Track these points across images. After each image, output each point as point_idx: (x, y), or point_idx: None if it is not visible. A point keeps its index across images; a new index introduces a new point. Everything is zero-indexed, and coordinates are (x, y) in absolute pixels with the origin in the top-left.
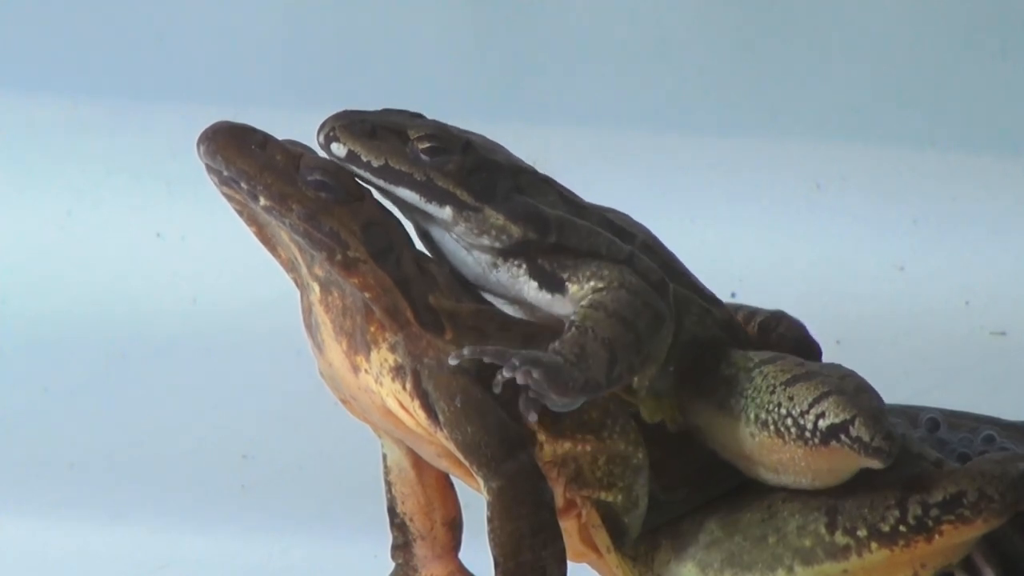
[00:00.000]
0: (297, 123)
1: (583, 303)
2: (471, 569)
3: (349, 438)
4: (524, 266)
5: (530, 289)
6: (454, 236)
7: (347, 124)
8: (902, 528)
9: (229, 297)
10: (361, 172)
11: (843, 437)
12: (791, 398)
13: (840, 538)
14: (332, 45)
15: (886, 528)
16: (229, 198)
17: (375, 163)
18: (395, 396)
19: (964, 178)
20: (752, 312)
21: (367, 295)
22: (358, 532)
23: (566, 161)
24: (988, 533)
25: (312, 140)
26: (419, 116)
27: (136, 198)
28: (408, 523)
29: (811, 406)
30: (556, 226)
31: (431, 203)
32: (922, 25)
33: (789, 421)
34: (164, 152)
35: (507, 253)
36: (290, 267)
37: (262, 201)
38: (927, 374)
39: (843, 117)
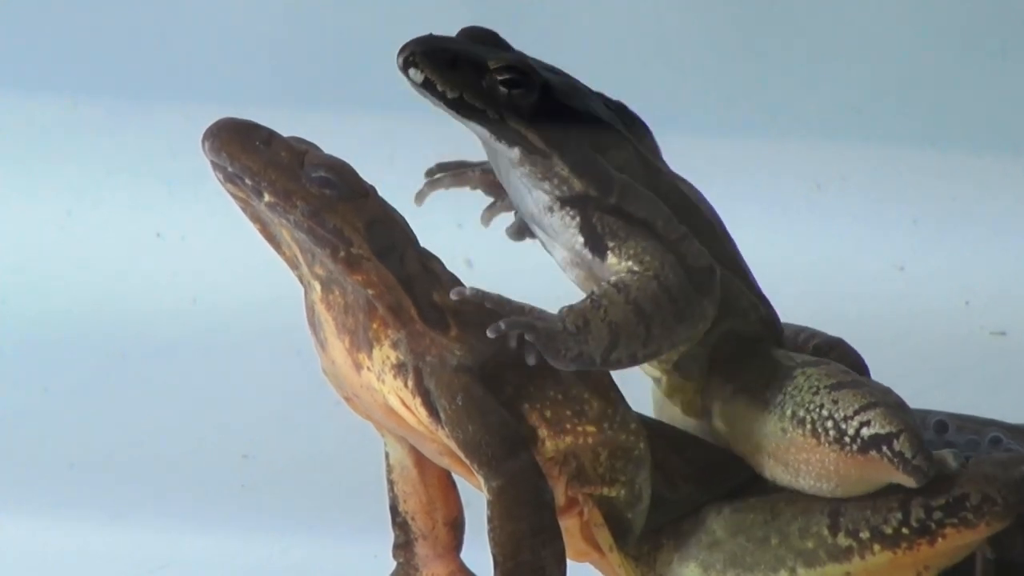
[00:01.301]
0: (297, 123)
1: (611, 280)
2: (472, 568)
3: (349, 438)
4: (577, 219)
5: (576, 243)
6: (518, 174)
7: (428, 51)
8: (904, 530)
9: (229, 297)
10: (435, 100)
11: (884, 449)
12: (835, 402)
13: (842, 540)
14: (332, 45)
15: (888, 530)
16: (233, 195)
17: (450, 95)
18: (397, 394)
19: (964, 178)
20: (812, 334)
21: (370, 292)
22: (358, 532)
23: None
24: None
25: (312, 139)
26: (505, 46)
27: (136, 198)
28: (410, 522)
29: (856, 413)
30: (619, 189)
31: (501, 142)
32: (922, 25)
33: (830, 423)
34: (164, 152)
35: (565, 201)
36: (294, 265)
37: (266, 197)
38: (927, 374)
39: (843, 117)
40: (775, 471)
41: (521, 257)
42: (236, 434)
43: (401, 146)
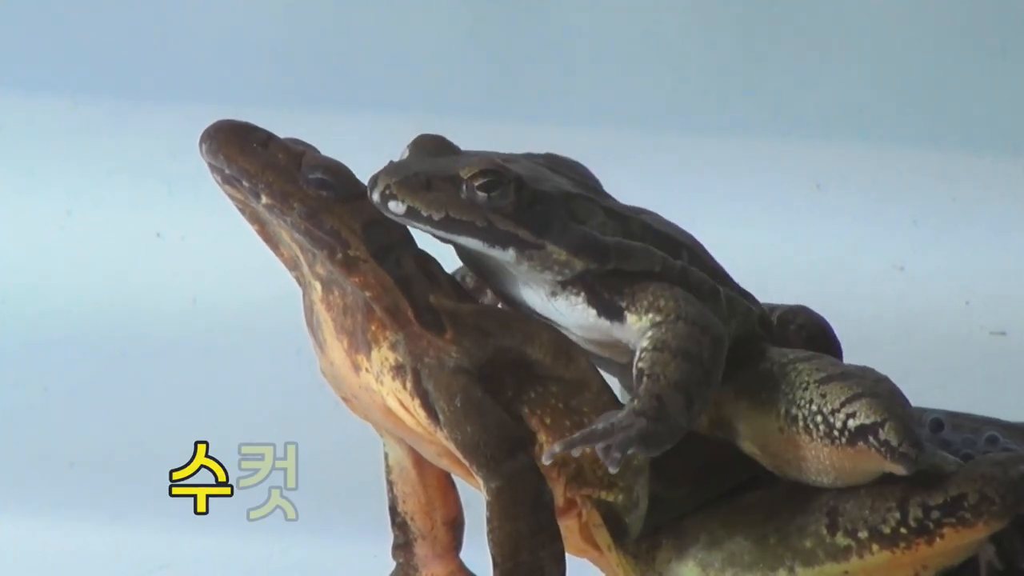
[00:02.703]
0: (297, 123)
1: (646, 344)
2: (472, 568)
3: (349, 438)
4: (582, 294)
5: (589, 316)
6: (515, 272)
7: (402, 180)
8: (903, 530)
9: (229, 297)
10: (422, 226)
11: (871, 439)
12: (823, 396)
13: (841, 539)
14: (332, 45)
15: (887, 530)
16: (231, 197)
17: (436, 216)
18: (395, 395)
19: (964, 178)
20: (771, 308)
21: (368, 294)
22: (358, 532)
23: None
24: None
25: (312, 139)
26: (455, 149)
27: (136, 198)
28: (409, 522)
29: (842, 405)
30: (615, 253)
31: (495, 247)
32: (922, 25)
33: (819, 418)
34: (164, 152)
35: (565, 283)
36: (292, 265)
37: (264, 199)
38: (927, 374)
39: (843, 117)
40: (782, 468)
41: None
42: (236, 434)
43: (401, 146)
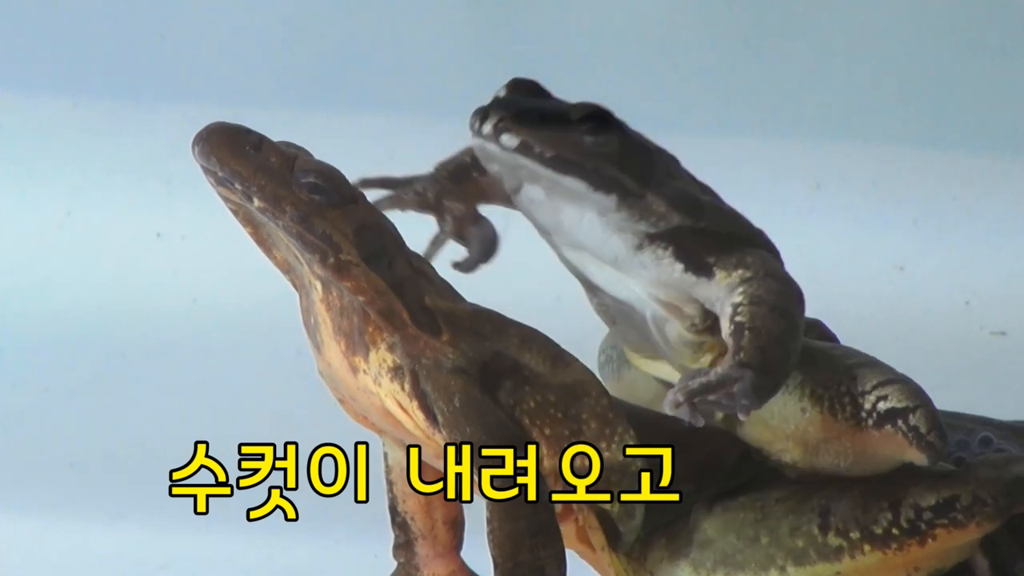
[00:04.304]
0: (297, 123)
1: (740, 300)
2: (473, 568)
3: (349, 438)
4: (670, 248)
5: (675, 271)
6: (605, 220)
7: (516, 114)
8: (895, 531)
9: (229, 297)
10: (529, 162)
11: (900, 423)
12: (854, 378)
13: (833, 539)
14: (332, 45)
15: (879, 531)
16: (225, 199)
17: (547, 153)
18: (393, 397)
19: (964, 178)
20: None
21: (361, 298)
22: (358, 532)
23: None
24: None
25: (312, 139)
26: (548, 94)
27: (136, 198)
28: (409, 522)
29: (874, 388)
30: (709, 211)
31: (598, 191)
32: (922, 25)
33: (847, 399)
34: (164, 152)
35: (655, 236)
36: (286, 268)
37: (256, 203)
38: (927, 374)
39: (843, 117)
40: (795, 453)
41: (504, 258)
42: (236, 434)
43: (401, 146)
